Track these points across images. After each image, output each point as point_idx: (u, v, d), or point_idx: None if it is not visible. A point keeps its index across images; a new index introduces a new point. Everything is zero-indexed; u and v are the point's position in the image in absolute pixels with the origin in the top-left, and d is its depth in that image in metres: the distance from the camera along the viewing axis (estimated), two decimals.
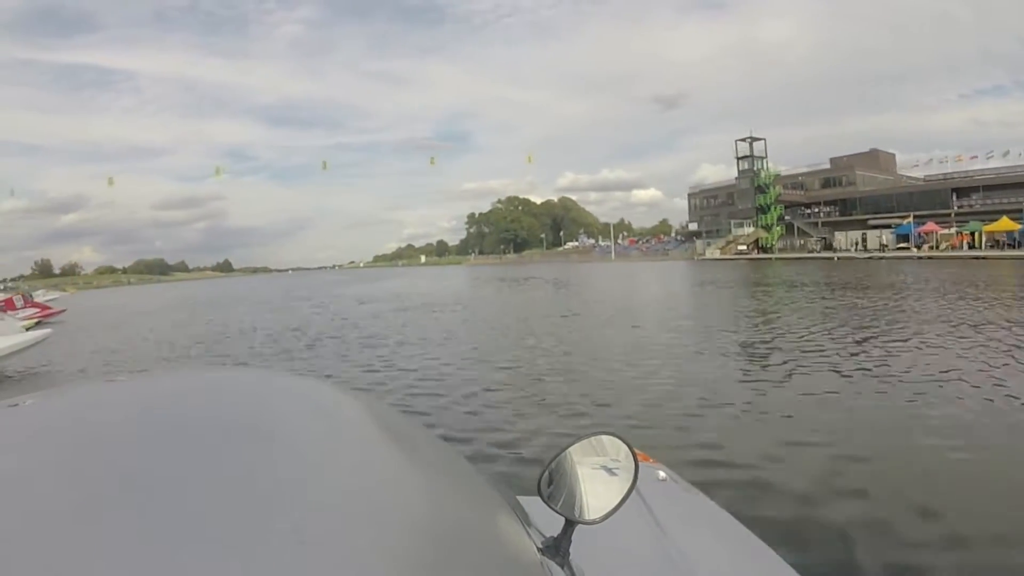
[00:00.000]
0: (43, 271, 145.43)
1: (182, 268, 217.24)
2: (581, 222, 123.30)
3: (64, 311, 23.21)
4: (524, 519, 0.82)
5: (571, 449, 0.87)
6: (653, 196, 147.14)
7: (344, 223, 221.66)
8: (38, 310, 20.70)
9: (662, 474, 1.54)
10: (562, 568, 0.72)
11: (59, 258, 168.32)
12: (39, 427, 0.55)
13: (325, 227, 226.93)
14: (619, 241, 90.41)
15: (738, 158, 59.06)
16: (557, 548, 0.74)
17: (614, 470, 0.86)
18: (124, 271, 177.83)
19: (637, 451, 0.89)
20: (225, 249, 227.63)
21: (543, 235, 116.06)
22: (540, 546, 0.74)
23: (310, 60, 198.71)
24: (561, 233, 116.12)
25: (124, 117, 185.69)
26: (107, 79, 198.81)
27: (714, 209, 64.33)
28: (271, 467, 0.49)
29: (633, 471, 0.82)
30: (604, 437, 0.90)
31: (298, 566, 0.37)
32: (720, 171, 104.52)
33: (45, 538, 0.36)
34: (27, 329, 11.90)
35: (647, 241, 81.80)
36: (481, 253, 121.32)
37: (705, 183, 68.92)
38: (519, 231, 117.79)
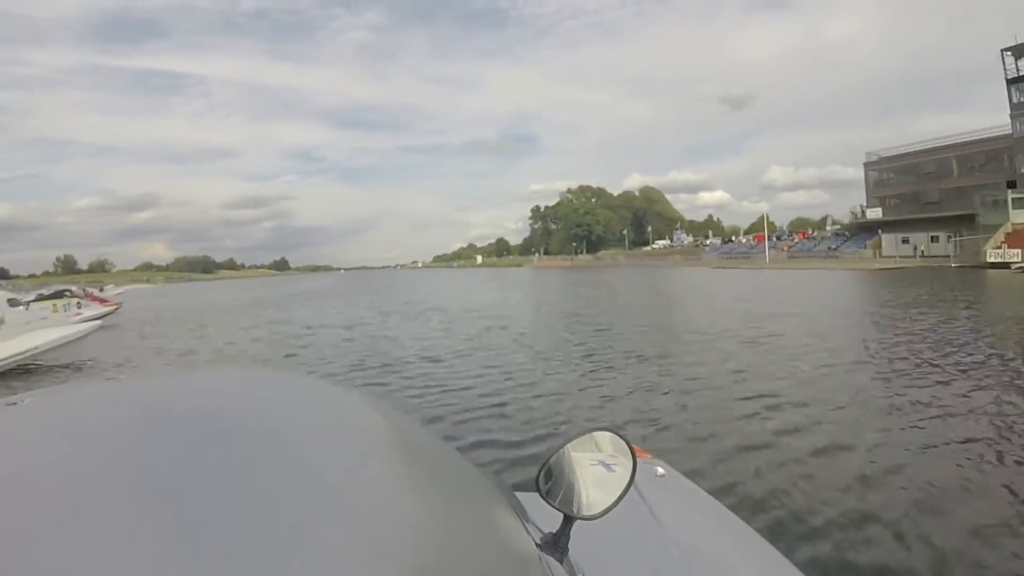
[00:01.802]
0: (66, 268, 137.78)
1: (230, 266, 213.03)
2: (667, 217, 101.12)
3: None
4: (523, 515, 0.80)
5: (569, 445, 0.84)
6: (720, 198, 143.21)
7: (412, 224, 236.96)
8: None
9: (660, 470, 1.51)
10: (561, 563, 0.71)
11: (132, 254, 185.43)
12: (35, 426, 0.54)
13: (393, 227, 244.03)
14: (737, 238, 68.16)
15: (1009, 82, 34.06)
16: (556, 544, 0.73)
17: (612, 466, 0.85)
18: (167, 268, 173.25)
19: (635, 447, 0.87)
20: (293, 247, 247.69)
21: (624, 231, 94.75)
22: (539, 542, 0.72)
23: (376, 64, 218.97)
24: (648, 229, 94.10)
25: (195, 120, 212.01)
26: (178, 84, 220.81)
27: (913, 183, 41.43)
28: (269, 465, 0.49)
29: (631, 467, 0.80)
30: (602, 433, 0.88)
31: (298, 562, 0.37)
32: (788, 173, 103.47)
33: (41, 538, 0.36)
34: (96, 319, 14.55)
35: (779, 238, 58.93)
36: (547, 253, 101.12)
37: (886, 152, 45.44)
38: (593, 226, 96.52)
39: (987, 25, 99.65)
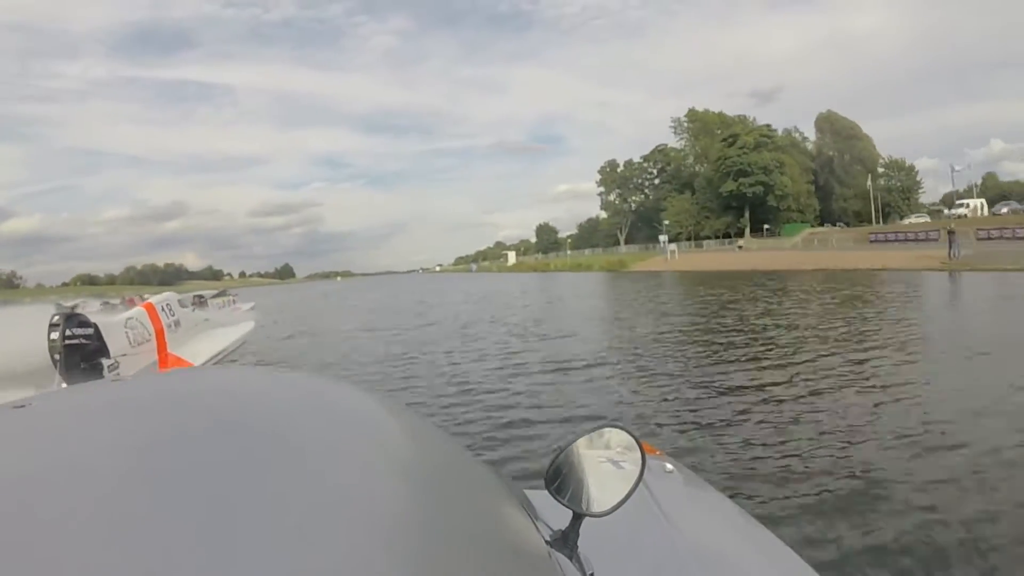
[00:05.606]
0: None
1: (208, 275, 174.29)
2: (871, 161, 49.58)
3: None
4: (532, 512, 0.81)
5: (578, 442, 0.84)
6: None
7: (441, 227, 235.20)
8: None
9: (669, 466, 1.51)
10: (570, 560, 0.72)
11: (160, 263, 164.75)
12: (43, 428, 0.54)
13: (421, 231, 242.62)
14: None
15: None
16: (565, 540, 0.73)
17: (621, 463, 0.85)
18: (113, 282, 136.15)
19: (644, 443, 0.88)
20: (321, 254, 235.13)
21: (812, 189, 44.93)
22: (548, 539, 0.73)
23: (402, 69, 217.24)
24: (870, 186, 42.99)
25: (223, 128, 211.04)
26: (207, 93, 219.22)
27: None
28: (281, 463, 0.49)
29: (640, 463, 0.80)
30: (611, 430, 0.88)
31: (310, 559, 0.37)
32: None
33: (52, 540, 0.36)
34: None
35: None
36: (628, 241, 50.75)
37: None
38: (777, 179, 45.62)
39: (1017, 11, 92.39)
